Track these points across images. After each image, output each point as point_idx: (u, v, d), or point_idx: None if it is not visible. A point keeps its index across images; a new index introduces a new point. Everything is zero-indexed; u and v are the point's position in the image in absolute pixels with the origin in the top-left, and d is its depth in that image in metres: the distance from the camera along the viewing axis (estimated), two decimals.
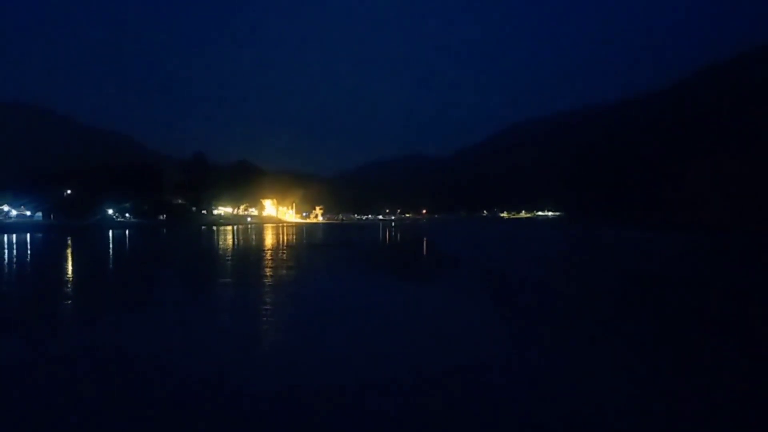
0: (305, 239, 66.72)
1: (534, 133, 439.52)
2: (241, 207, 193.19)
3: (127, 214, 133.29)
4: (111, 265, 34.19)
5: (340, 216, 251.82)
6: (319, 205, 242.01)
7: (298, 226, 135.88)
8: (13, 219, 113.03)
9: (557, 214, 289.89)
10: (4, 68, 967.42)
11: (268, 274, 26.72)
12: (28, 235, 72.57)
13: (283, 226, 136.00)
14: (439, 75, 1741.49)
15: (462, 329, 13.65)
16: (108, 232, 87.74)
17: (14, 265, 32.98)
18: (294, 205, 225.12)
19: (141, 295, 20.14)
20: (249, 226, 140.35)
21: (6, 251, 43.95)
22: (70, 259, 38.57)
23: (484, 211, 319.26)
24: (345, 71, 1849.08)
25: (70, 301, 19.07)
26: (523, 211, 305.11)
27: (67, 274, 28.05)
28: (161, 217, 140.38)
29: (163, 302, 18.19)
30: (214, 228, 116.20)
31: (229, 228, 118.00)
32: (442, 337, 12.58)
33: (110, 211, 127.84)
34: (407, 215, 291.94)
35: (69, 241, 59.49)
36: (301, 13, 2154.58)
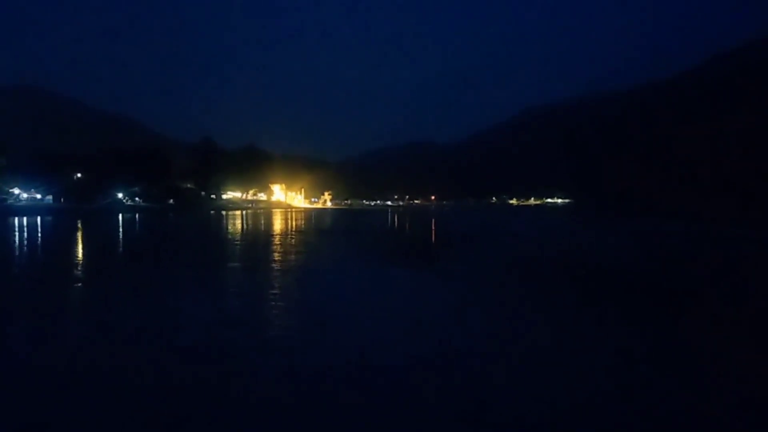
0: (313, 225, 66.77)
1: (543, 119, 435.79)
2: (250, 192, 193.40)
3: (136, 198, 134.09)
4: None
5: (348, 201, 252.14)
6: (327, 191, 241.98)
7: (307, 212, 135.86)
8: (23, 202, 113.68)
9: (566, 201, 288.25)
10: (13, 52, 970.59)
11: (276, 258, 26.82)
12: (44, 218, 72.75)
13: (291, 212, 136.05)
14: (450, 61, 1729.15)
15: None
16: (119, 215, 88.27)
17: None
18: (303, 190, 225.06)
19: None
20: (258, 210, 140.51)
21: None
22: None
23: (493, 198, 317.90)
24: (355, 56, 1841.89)
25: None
26: (533, 198, 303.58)
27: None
28: (170, 202, 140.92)
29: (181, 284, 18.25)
30: (223, 213, 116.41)
31: (238, 213, 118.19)
32: None
33: (119, 195, 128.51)
34: (416, 201, 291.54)
35: (84, 224, 59.76)
36: None
